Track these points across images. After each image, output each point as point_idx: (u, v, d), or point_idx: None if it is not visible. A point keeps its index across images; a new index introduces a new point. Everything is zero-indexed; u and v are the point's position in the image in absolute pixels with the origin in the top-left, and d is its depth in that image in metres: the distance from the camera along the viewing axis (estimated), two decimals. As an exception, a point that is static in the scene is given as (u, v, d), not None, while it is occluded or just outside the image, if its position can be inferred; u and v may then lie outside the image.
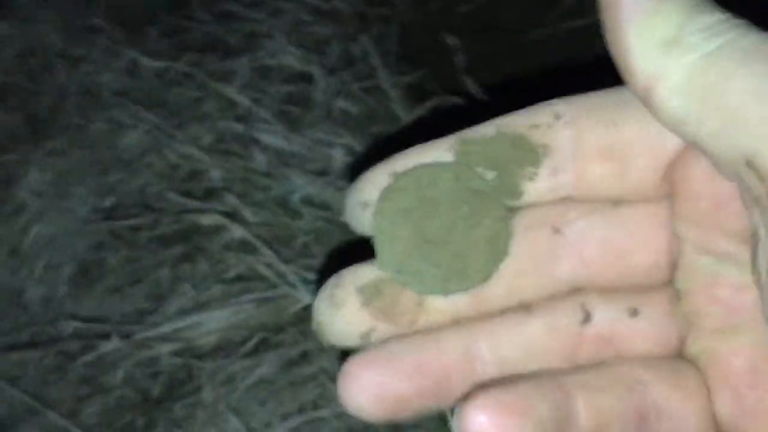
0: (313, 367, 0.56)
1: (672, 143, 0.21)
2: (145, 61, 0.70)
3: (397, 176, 0.22)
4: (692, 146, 0.19)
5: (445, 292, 0.22)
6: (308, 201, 0.61)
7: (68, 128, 0.69)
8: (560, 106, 0.22)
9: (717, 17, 0.18)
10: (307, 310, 0.58)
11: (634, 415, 0.21)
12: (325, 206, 0.61)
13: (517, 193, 0.22)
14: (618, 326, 0.22)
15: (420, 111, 0.67)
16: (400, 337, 0.22)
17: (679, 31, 0.18)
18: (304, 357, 0.57)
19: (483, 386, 0.21)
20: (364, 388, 0.21)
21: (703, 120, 0.18)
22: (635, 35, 0.18)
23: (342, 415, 0.55)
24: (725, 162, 0.18)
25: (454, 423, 0.20)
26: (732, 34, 0.18)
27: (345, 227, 0.62)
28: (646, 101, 0.19)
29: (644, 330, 0.22)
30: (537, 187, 0.22)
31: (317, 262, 0.59)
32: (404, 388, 0.21)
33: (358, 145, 0.63)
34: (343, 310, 0.22)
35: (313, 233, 0.60)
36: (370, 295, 0.22)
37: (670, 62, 0.18)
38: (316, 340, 0.59)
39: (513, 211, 0.23)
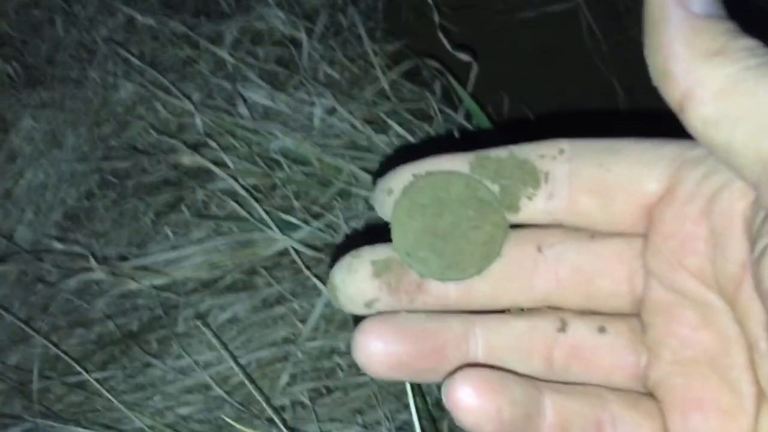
0: (284, 308, 0.59)
1: (651, 187, 0.24)
2: (141, 20, 0.73)
3: (419, 177, 0.26)
4: (719, 151, 0.21)
5: (443, 278, 0.26)
6: (288, 155, 0.64)
7: (63, 79, 0.72)
8: (565, 144, 0.26)
9: (756, 42, 0.21)
10: (282, 255, 0.60)
11: (594, 422, 0.25)
12: (304, 160, 0.64)
13: (516, 207, 0.26)
14: (588, 340, 0.26)
15: (397, 73, 0.70)
16: (410, 311, 0.26)
17: (724, 47, 0.21)
18: (276, 299, 0.60)
19: (470, 365, 0.25)
20: (375, 344, 0.25)
21: (738, 123, 0.20)
22: (682, 44, 0.21)
23: (309, 352, 0.58)
24: (751, 165, 0.21)
25: (443, 391, 0.24)
26: None
27: (321, 180, 0.65)
28: (683, 105, 0.22)
29: (610, 346, 0.26)
30: (534, 206, 0.26)
31: (296, 211, 0.62)
32: (407, 349, 0.25)
33: (339, 106, 0.66)
34: (356, 276, 0.26)
35: (292, 184, 0.63)
36: (380, 268, 0.26)
37: (712, 70, 0.21)
38: (288, 283, 0.61)
39: (510, 224, 0.26)
